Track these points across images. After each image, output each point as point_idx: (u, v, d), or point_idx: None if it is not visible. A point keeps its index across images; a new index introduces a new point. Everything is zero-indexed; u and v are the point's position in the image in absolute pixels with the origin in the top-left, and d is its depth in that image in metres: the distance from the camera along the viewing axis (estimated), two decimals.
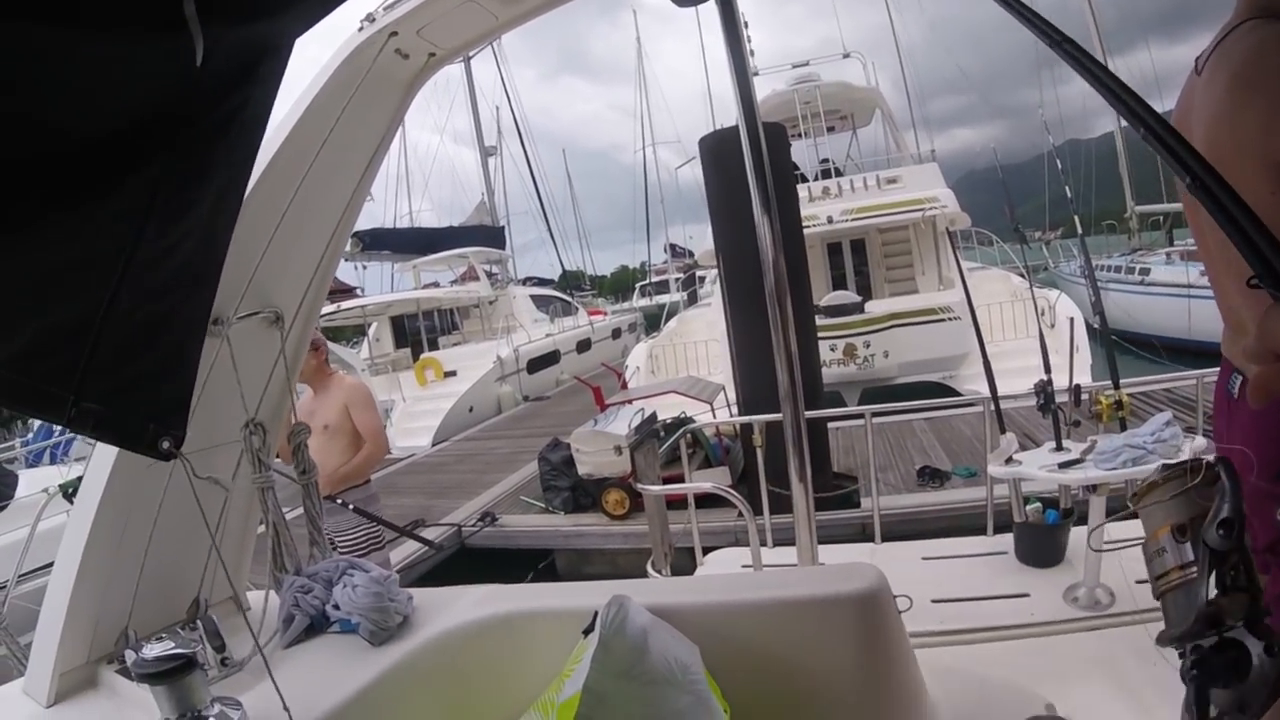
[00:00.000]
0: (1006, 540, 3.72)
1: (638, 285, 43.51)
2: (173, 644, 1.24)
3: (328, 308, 16.63)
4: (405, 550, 6.93)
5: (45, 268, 0.87)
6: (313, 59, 1.67)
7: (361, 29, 1.70)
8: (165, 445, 1.03)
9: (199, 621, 1.74)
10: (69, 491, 3.87)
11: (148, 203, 0.91)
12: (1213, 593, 0.50)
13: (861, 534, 4.99)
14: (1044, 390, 3.49)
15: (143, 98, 0.87)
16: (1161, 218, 21.22)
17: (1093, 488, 2.90)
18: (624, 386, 10.71)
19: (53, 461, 10.65)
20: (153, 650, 1.22)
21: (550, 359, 18.81)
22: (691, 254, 31.46)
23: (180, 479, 1.52)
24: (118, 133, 0.86)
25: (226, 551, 1.90)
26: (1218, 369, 1.60)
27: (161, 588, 1.75)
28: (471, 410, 15.23)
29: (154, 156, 0.90)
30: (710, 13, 1.85)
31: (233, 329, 1.66)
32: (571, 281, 34.82)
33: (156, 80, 0.87)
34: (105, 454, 1.59)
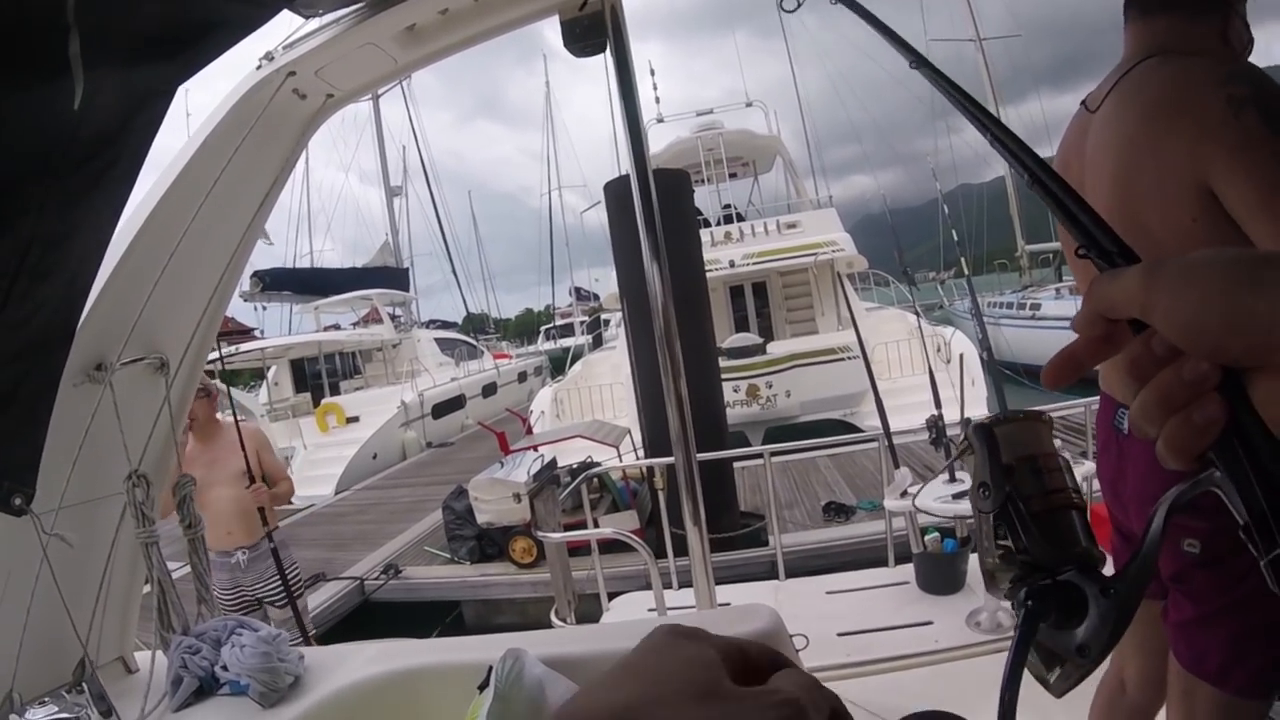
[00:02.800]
0: (908, 570, 3.83)
1: (542, 328, 43.42)
2: (57, 709, 1.17)
3: (225, 350, 15.87)
4: (304, 606, 6.61)
5: None
6: (212, 90, 1.63)
7: (259, 67, 1.67)
8: (17, 502, 1.04)
9: (85, 684, 1.63)
10: None
11: (16, 266, 0.89)
12: (996, 550, 0.53)
13: (770, 571, 5.06)
14: (935, 425, 3.64)
15: (16, 146, 0.84)
16: (1051, 255, 22.62)
17: None
18: (529, 432, 10.61)
19: None
20: (37, 715, 1.15)
21: (455, 404, 18.48)
22: (596, 297, 31.66)
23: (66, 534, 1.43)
24: None
25: (112, 610, 1.78)
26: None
27: (45, 648, 1.63)
28: (375, 457, 14.80)
29: (23, 216, 0.88)
30: None
31: (115, 375, 1.58)
32: (476, 324, 34.48)
33: (32, 125, 0.84)
34: None
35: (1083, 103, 1.57)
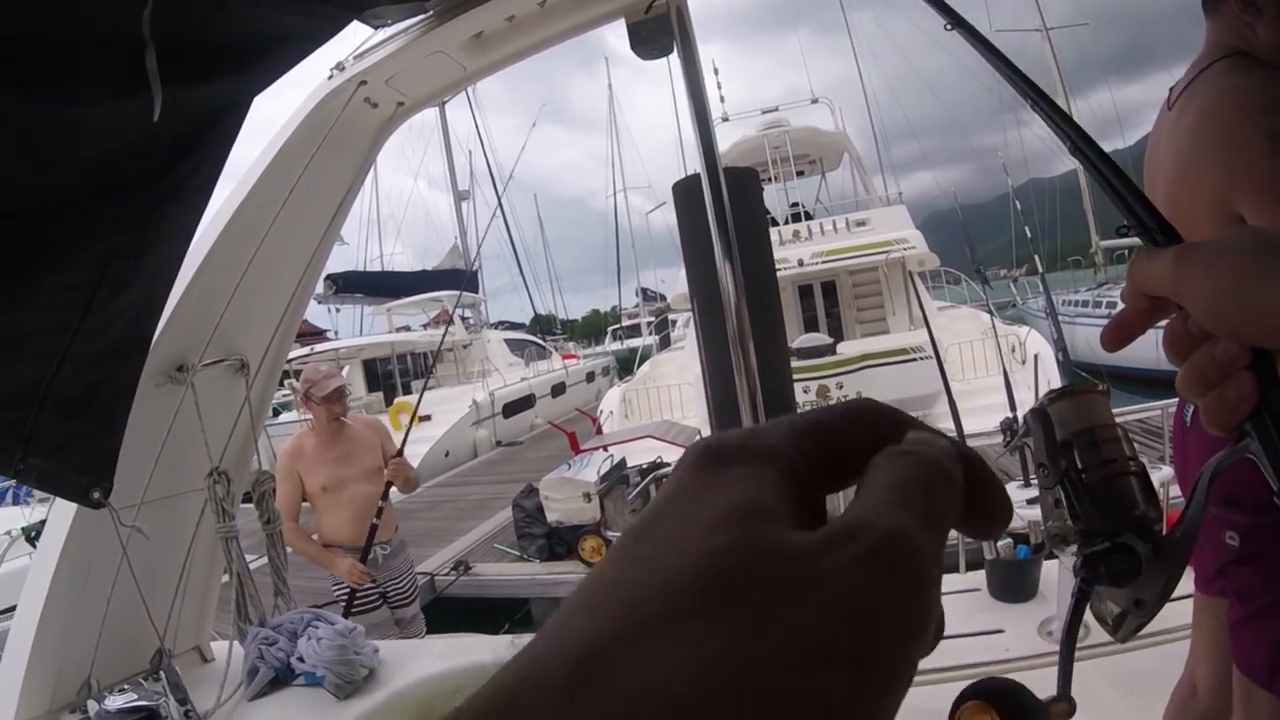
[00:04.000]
0: (979, 577, 3.72)
1: (609, 329, 43.63)
2: (135, 695, 1.22)
3: (300, 350, 16.50)
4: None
5: (5, 336, 0.91)
6: (286, 102, 1.69)
7: (331, 78, 1.72)
8: (95, 495, 1.10)
9: (162, 672, 1.70)
10: (31, 535, 3.76)
11: (99, 276, 0.96)
12: (1058, 524, 0.55)
13: None
14: (1009, 428, 3.53)
15: (99, 159, 0.88)
16: (1127, 251, 21.69)
17: None
18: (598, 432, 10.67)
19: (16, 502, 10.38)
20: (115, 702, 1.21)
21: (525, 403, 18.71)
22: (663, 297, 31.61)
23: (144, 526, 1.50)
24: (73, 198, 0.88)
25: (190, 602, 1.86)
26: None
27: (124, 637, 1.71)
28: (447, 455, 15.09)
29: (106, 227, 0.93)
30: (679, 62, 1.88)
31: (196, 376, 1.64)
32: (544, 325, 34.86)
33: (113, 138, 0.88)
34: (67, 503, 1.56)
35: (1170, 90, 1.51)
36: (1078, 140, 0.62)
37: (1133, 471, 0.55)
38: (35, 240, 0.86)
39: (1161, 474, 3.00)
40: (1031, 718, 0.46)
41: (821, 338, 12.48)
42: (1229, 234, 0.45)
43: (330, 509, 3.48)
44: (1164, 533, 0.52)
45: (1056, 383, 7.92)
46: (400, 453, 3.69)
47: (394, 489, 3.67)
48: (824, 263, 14.11)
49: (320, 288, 17.89)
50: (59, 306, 0.94)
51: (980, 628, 3.23)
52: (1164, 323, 0.50)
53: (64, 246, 0.90)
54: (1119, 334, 0.54)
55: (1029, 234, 15.55)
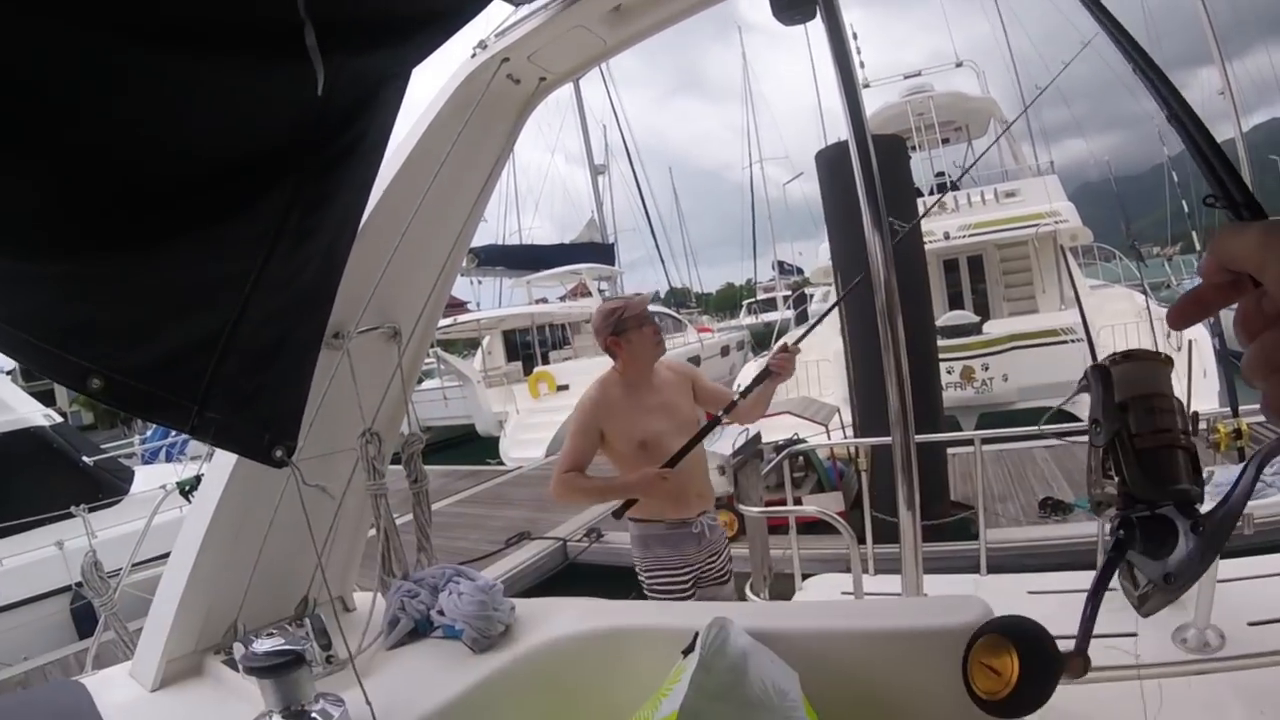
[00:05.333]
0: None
1: (744, 303, 43.20)
2: (282, 640, 1.28)
3: (443, 320, 17.25)
4: (509, 562, 7.06)
5: (180, 285, 0.94)
6: (429, 83, 1.75)
7: (474, 55, 1.77)
8: (279, 454, 1.10)
9: (307, 619, 1.81)
10: (185, 489, 4.09)
11: (278, 227, 0.98)
12: (1103, 483, 0.56)
13: (972, 565, 4.79)
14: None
15: (270, 124, 0.93)
16: None
17: None
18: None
19: (168, 459, 11.42)
20: (263, 645, 1.27)
21: None
22: (800, 270, 31.00)
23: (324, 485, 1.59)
24: (248, 157, 0.93)
25: (337, 554, 1.97)
26: None
27: (272, 585, 1.83)
28: None
29: (282, 182, 0.97)
30: (818, 28, 1.83)
31: (352, 342, 1.74)
32: (678, 298, 34.91)
33: (282, 108, 0.93)
34: (226, 455, 1.66)
35: None
36: (1175, 106, 0.58)
37: (1183, 446, 0.54)
38: (213, 196, 0.90)
39: None
40: (1045, 661, 0.49)
41: (967, 316, 11.91)
42: None
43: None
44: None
45: (1211, 372, 7.26)
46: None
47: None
48: (971, 236, 13.41)
49: (464, 262, 18.60)
50: (239, 255, 0.96)
51: (1111, 629, 3.03)
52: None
53: (242, 202, 0.94)
54: (1190, 310, 0.51)
55: (1186, 209, 14.20)
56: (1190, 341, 7.49)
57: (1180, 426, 0.54)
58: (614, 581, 7.23)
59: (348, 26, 0.93)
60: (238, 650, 1.58)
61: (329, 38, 0.87)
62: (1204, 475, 0.55)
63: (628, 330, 2.93)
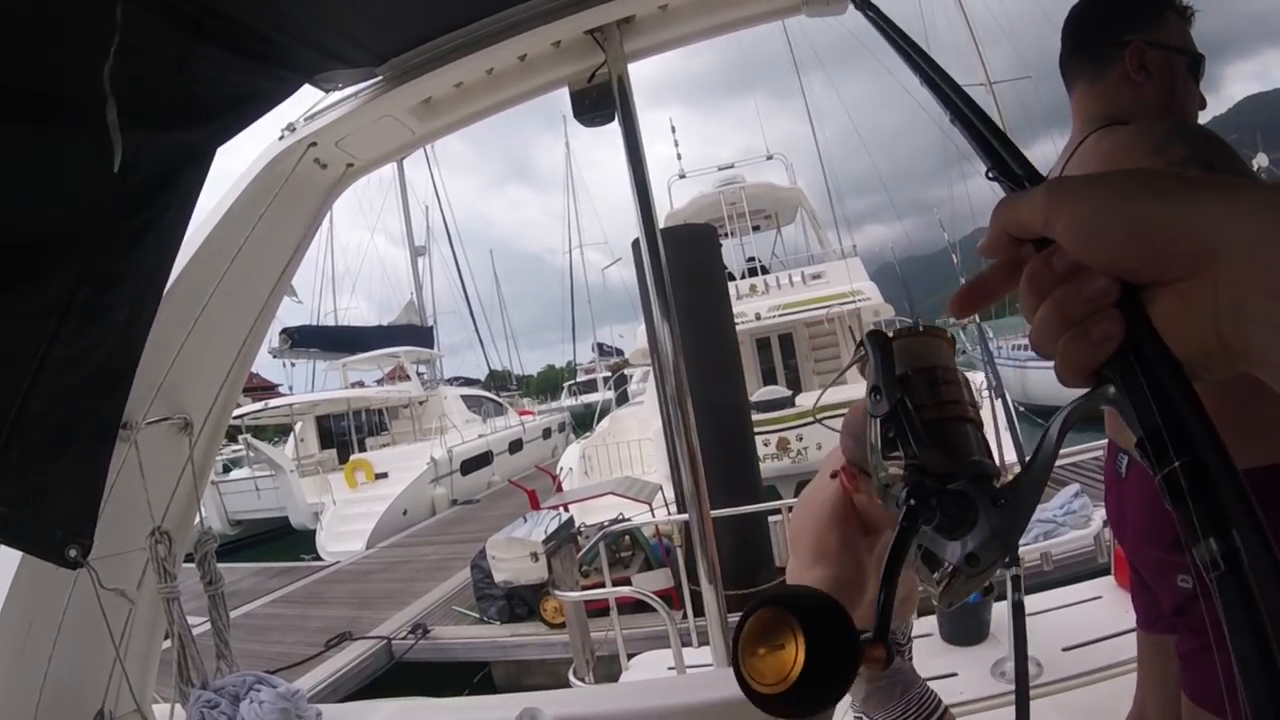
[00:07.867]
0: (931, 623, 3.77)
1: (565, 384, 43.57)
2: None
3: (253, 405, 16.18)
4: (330, 666, 6.59)
5: None
6: (235, 162, 1.70)
7: (282, 138, 1.75)
8: (72, 554, 1.02)
9: None
10: None
11: (66, 303, 0.91)
12: (888, 462, 0.52)
13: None
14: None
15: (62, 197, 0.88)
16: None
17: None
18: (559, 489, 10.57)
19: None
20: None
21: (483, 460, 18.49)
22: (620, 352, 31.67)
23: (84, 586, 1.45)
24: (38, 229, 0.87)
25: (132, 663, 1.79)
26: None
27: (65, 700, 1.64)
28: (405, 513, 14.83)
29: (74, 257, 0.91)
30: (647, 124, 1.93)
31: (140, 434, 1.62)
32: (499, 381, 34.71)
33: (77, 180, 0.89)
34: (7, 557, 1.49)
35: (1047, 175, 1.59)
36: (961, 105, 0.61)
37: (970, 419, 0.53)
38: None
39: (1102, 512, 3.10)
40: (839, 638, 0.41)
41: (780, 390, 12.59)
42: (1108, 171, 0.42)
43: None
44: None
45: (1003, 423, 8.07)
46: None
47: None
48: (781, 315, 14.31)
49: (275, 341, 17.68)
50: (23, 330, 0.88)
51: (934, 672, 3.25)
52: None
53: (26, 273, 0.86)
54: (972, 295, 0.49)
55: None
56: (984, 396, 8.28)
57: (968, 399, 0.53)
58: (443, 678, 6.93)
59: (152, 103, 0.90)
60: None
61: (132, 113, 0.85)
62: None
63: None
